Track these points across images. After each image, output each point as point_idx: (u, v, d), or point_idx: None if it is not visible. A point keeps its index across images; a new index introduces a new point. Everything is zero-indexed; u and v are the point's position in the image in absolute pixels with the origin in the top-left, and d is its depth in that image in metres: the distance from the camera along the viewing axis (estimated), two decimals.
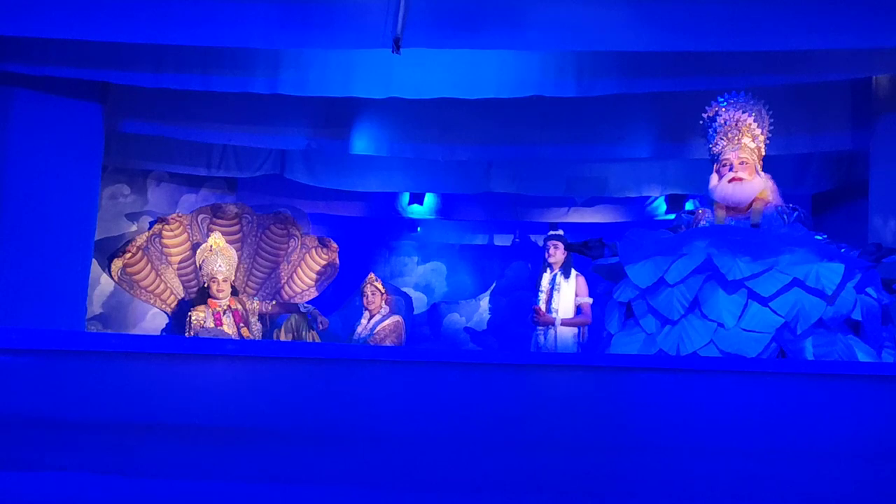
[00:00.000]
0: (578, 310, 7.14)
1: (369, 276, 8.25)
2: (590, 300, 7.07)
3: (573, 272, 7.20)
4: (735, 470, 3.01)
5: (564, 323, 7.06)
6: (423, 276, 10.28)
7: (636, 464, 3.03)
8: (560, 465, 3.01)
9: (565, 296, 7.16)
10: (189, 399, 3.05)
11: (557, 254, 7.23)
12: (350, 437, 3.04)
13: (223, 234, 8.33)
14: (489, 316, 9.93)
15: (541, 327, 7.14)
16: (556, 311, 7.10)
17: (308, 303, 8.59)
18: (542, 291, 7.24)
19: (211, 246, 7.96)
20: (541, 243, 7.85)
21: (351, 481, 2.99)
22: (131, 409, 3.01)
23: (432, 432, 3.04)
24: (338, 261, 9.22)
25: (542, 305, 7.15)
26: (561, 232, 7.63)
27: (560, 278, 7.20)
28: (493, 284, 10.06)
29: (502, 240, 10.31)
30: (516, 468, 3.00)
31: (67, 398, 3.01)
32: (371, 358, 3.15)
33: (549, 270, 7.32)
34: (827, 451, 3.03)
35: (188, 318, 7.78)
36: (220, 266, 7.83)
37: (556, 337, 7.08)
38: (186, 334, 7.71)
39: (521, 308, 9.02)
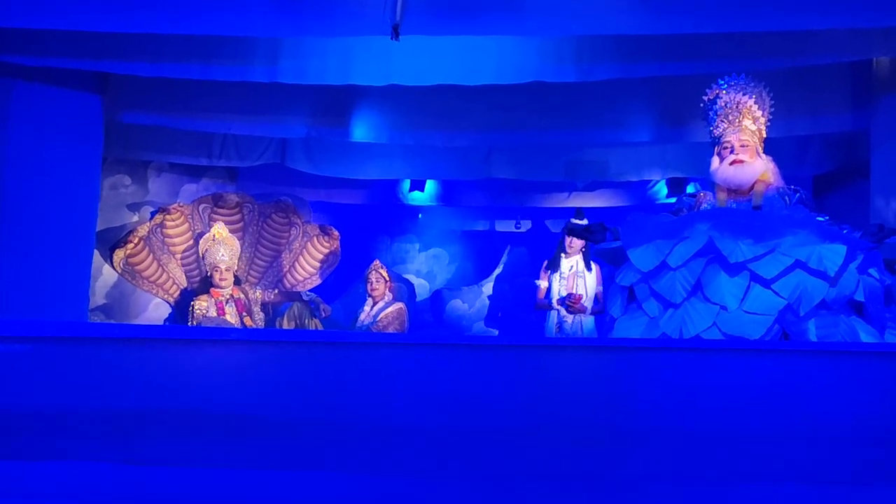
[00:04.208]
0: (596, 299, 7.21)
1: (374, 263, 8.27)
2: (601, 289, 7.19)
3: (591, 262, 7.29)
4: (740, 451, 3.01)
5: (591, 311, 7.19)
6: (424, 263, 10.29)
7: (641, 447, 3.03)
8: (566, 449, 3.01)
9: (590, 284, 7.27)
10: (192, 388, 3.06)
11: (577, 241, 7.29)
12: (354, 424, 3.04)
13: (225, 223, 8.34)
14: (489, 303, 9.93)
15: (569, 313, 7.23)
16: (584, 299, 7.23)
17: (310, 291, 8.61)
18: (564, 277, 7.33)
19: (213, 236, 7.99)
20: (555, 230, 7.92)
21: (355, 468, 3.00)
22: (135, 398, 3.01)
23: (438, 417, 3.05)
24: (339, 249, 9.23)
25: (564, 292, 7.25)
26: (585, 221, 7.68)
27: (583, 266, 7.29)
28: (498, 269, 10.06)
29: (504, 225, 10.31)
30: (522, 452, 3.01)
31: (71, 388, 3.02)
32: (375, 342, 3.15)
33: (564, 256, 7.40)
34: (832, 432, 3.03)
35: (191, 308, 7.80)
36: (222, 255, 7.85)
37: (581, 324, 7.19)
38: (189, 324, 7.73)
39: (524, 294, 9.05)
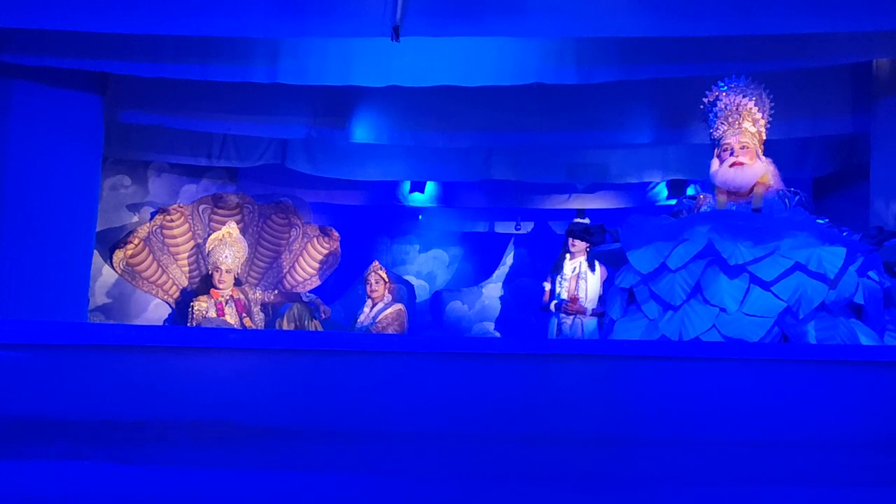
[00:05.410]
0: (600, 300, 7.20)
1: (373, 264, 8.27)
2: None
3: (596, 263, 7.27)
4: (738, 456, 3.01)
5: (592, 313, 7.17)
6: (424, 264, 10.29)
7: (639, 454, 3.03)
8: (564, 455, 3.01)
9: (591, 286, 7.25)
10: (192, 390, 3.05)
11: (580, 243, 7.28)
12: (352, 431, 3.04)
13: (225, 223, 8.34)
14: (500, 305, 9.93)
15: (568, 315, 7.22)
16: (584, 300, 7.21)
17: (310, 292, 8.61)
18: (565, 279, 7.32)
19: (223, 235, 7.99)
20: (556, 231, 7.89)
21: (354, 474, 2.99)
22: (134, 402, 3.01)
23: (435, 424, 3.04)
24: (339, 250, 9.24)
25: (565, 294, 7.25)
26: (587, 220, 7.67)
27: (585, 267, 7.28)
28: (501, 269, 10.06)
29: (504, 227, 10.31)
30: (520, 459, 3.01)
31: (69, 391, 3.01)
32: (376, 349, 3.15)
33: (569, 257, 7.39)
34: (832, 437, 3.03)
35: (190, 309, 7.80)
36: (226, 257, 7.86)
37: (582, 326, 7.18)
38: (189, 324, 7.73)
39: (526, 295, 9.05)
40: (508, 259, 10.07)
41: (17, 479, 2.93)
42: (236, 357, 3.09)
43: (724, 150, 4.92)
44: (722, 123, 4.95)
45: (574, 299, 7.20)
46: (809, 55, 6.17)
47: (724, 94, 4.98)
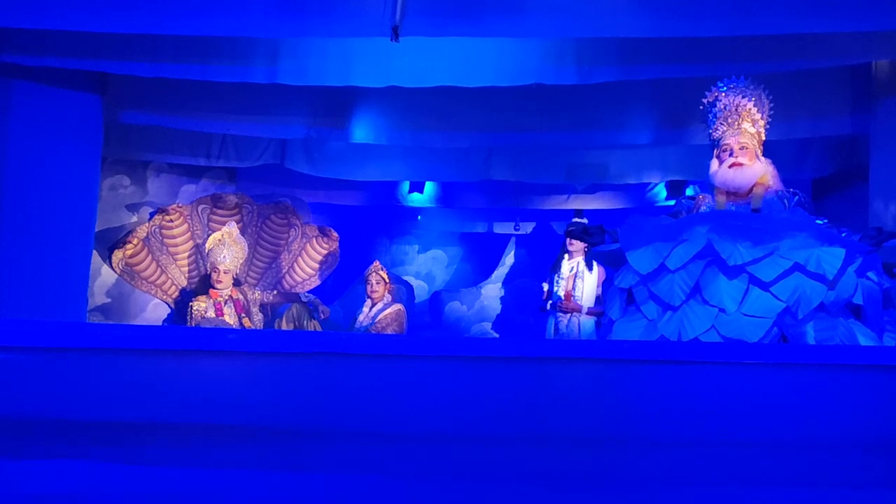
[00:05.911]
0: (598, 300, 7.20)
1: (374, 264, 8.27)
2: None
3: (594, 263, 7.26)
4: (738, 459, 3.01)
5: (589, 312, 7.16)
6: (423, 265, 10.29)
7: (639, 455, 3.02)
8: (564, 457, 3.01)
9: (588, 285, 7.24)
10: (190, 390, 3.05)
11: (578, 242, 7.28)
12: (354, 432, 3.04)
13: (224, 224, 8.34)
14: (501, 305, 9.93)
15: (564, 314, 7.22)
16: (580, 300, 7.20)
17: (309, 292, 8.61)
18: (562, 278, 7.33)
19: (222, 236, 7.99)
20: (556, 232, 7.88)
21: (352, 476, 2.99)
22: (132, 403, 3.01)
23: (437, 426, 3.04)
24: (338, 250, 9.24)
25: (562, 292, 7.25)
26: (585, 220, 7.67)
27: (583, 267, 7.28)
28: (500, 270, 10.06)
29: (503, 227, 10.31)
30: (519, 462, 3.00)
31: (68, 392, 3.01)
32: (376, 352, 3.14)
33: (567, 257, 7.39)
34: (831, 439, 3.03)
35: (189, 309, 7.80)
36: (223, 257, 7.86)
37: (579, 325, 7.17)
38: (188, 324, 7.73)
39: (526, 296, 9.04)
40: (508, 259, 10.07)
41: (18, 479, 2.93)
42: (236, 359, 3.08)
43: (724, 151, 4.91)
44: (721, 124, 4.94)
45: (568, 296, 7.19)
46: (809, 55, 6.17)
47: (723, 94, 4.97)
